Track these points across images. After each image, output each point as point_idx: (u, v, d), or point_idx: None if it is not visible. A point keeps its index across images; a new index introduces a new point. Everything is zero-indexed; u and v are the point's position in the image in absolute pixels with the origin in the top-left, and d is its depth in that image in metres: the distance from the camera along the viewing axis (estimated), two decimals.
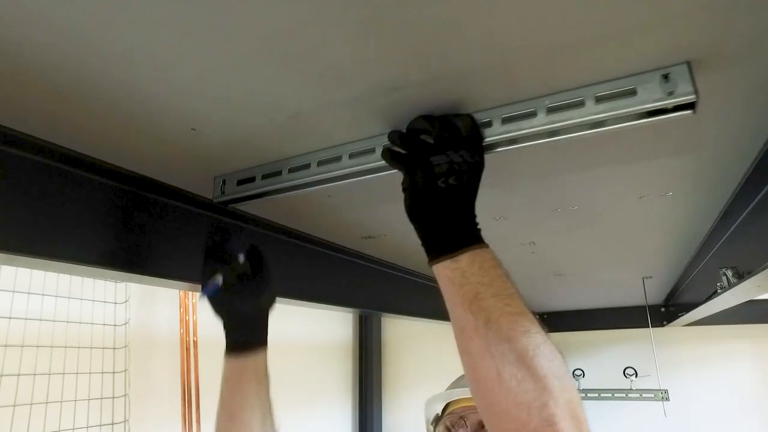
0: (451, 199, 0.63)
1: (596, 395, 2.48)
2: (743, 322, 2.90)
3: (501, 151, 0.69)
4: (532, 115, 0.65)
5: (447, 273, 0.62)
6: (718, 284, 1.42)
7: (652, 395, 2.29)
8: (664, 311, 3.25)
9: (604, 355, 3.20)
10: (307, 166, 0.78)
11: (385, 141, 0.72)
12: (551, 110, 0.64)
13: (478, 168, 0.65)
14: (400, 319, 3.41)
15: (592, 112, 0.62)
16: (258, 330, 0.88)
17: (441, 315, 2.25)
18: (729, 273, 1.27)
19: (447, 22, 0.50)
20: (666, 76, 0.58)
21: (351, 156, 0.75)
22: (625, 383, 2.60)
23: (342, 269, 1.46)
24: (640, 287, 2.31)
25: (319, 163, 0.77)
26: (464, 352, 0.60)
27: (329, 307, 1.42)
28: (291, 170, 0.80)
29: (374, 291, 1.65)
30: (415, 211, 0.65)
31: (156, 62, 0.55)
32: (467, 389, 1.58)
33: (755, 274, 1.05)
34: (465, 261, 0.61)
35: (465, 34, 0.52)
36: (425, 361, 3.93)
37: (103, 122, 0.68)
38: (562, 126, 0.64)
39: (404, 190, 0.66)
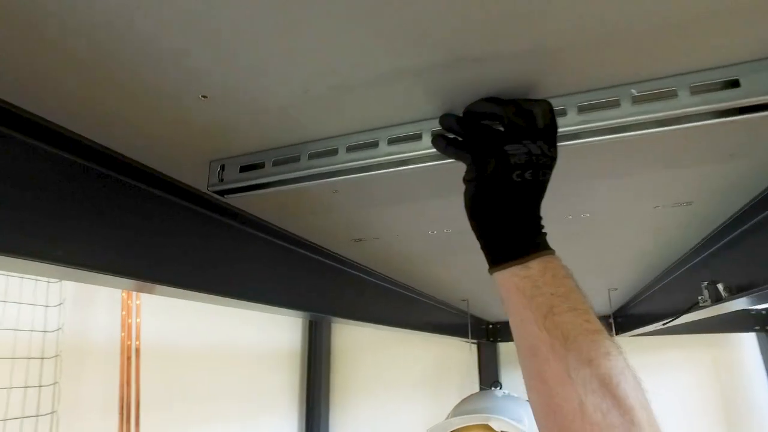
0: (524, 196, 0.54)
1: None
2: (675, 333, 3.03)
3: (571, 144, 0.60)
4: (615, 104, 0.57)
5: (515, 282, 0.53)
6: (700, 297, 1.44)
7: None
8: (613, 321, 3.36)
9: None
10: (334, 151, 0.66)
11: (434, 126, 0.62)
12: (637, 100, 0.56)
13: (552, 163, 0.56)
14: (352, 326, 3.29)
15: (684, 104, 0.54)
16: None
17: (408, 323, 2.19)
18: (720, 286, 1.27)
19: None
20: None
21: (390, 142, 0.64)
22: None
23: (302, 270, 1.33)
24: (602, 298, 2.34)
25: (350, 149, 0.65)
26: (536, 376, 0.51)
27: (282, 311, 1.28)
28: (312, 156, 0.67)
29: (343, 297, 1.52)
30: (480, 206, 0.55)
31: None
32: (467, 417, 1.52)
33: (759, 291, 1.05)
34: (536, 268, 0.52)
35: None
36: (374, 369, 3.83)
37: (80, 77, 0.53)
38: (647, 119, 0.56)
39: (468, 181, 0.56)
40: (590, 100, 0.57)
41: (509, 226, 0.54)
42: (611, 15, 0.45)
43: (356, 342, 3.94)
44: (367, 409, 3.72)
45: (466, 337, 3.43)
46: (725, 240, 1.34)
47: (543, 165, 0.54)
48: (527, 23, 0.46)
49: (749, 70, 0.53)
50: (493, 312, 3.14)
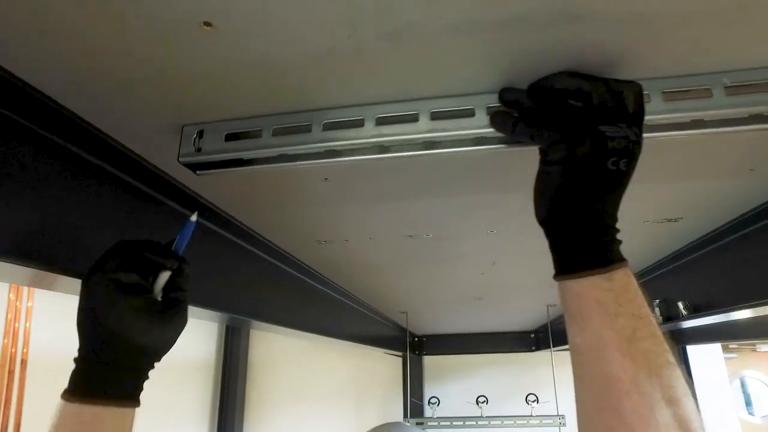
0: (615, 188, 0.45)
1: (499, 422, 2.46)
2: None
3: (653, 136, 0.51)
4: (706, 94, 0.49)
5: (596, 294, 0.44)
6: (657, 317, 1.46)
7: (551, 421, 2.34)
8: (533, 337, 3.45)
9: (502, 380, 3.27)
10: (359, 123, 0.52)
11: (488, 102, 0.51)
12: (730, 91, 0.48)
13: (639, 155, 0.47)
14: (272, 334, 3.07)
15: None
16: (140, 376, 0.54)
17: (340, 333, 2.03)
18: (680, 305, 1.29)
19: None
20: None
21: (434, 117, 0.51)
22: (526, 410, 2.63)
23: (220, 260, 1.15)
24: (535, 313, 2.36)
25: (380, 122, 0.52)
26: (608, 409, 0.42)
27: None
28: (328, 127, 0.53)
29: (270, 299, 1.35)
30: (565, 195, 0.45)
31: None
32: None
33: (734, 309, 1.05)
34: (619, 281, 0.44)
35: None
36: (293, 382, 3.62)
37: None
38: (735, 114, 0.49)
39: (552, 163, 0.46)
40: (677, 87, 0.49)
41: (595, 224, 0.45)
42: None
43: (275, 353, 3.70)
44: (285, 424, 3.49)
45: (398, 349, 3.35)
46: (682, 261, 1.37)
47: (635, 155, 0.45)
48: None
49: None
50: (423, 325, 3.08)
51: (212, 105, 0.53)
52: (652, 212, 0.96)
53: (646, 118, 0.49)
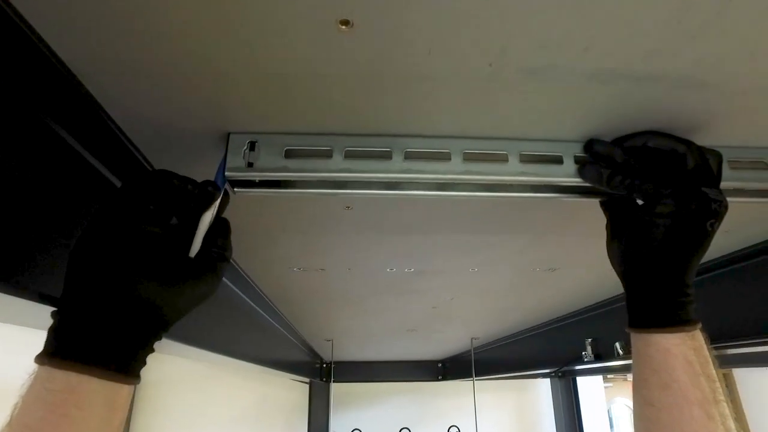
0: (704, 248, 0.47)
1: None
2: (486, 378, 3.34)
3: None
4: (761, 165, 0.52)
5: (685, 352, 0.45)
6: (584, 353, 1.56)
7: None
8: (441, 367, 3.53)
9: (416, 409, 3.23)
10: (446, 156, 0.48)
11: (573, 151, 0.50)
12: (468, 156, 0.49)
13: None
14: (165, 355, 2.79)
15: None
16: (142, 344, 0.39)
17: (253, 357, 1.88)
18: (618, 345, 1.38)
19: None
20: None
21: (522, 159, 0.49)
22: None
23: None
24: (458, 344, 2.41)
25: (467, 158, 0.48)
26: None
27: None
28: (411, 156, 0.48)
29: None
30: (666, 250, 0.46)
31: None
32: None
33: None
34: (699, 342, 0.46)
35: None
36: (188, 408, 3.31)
37: None
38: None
39: (662, 216, 0.46)
40: (738, 157, 0.52)
41: (681, 281, 0.46)
42: None
43: (169, 375, 3.36)
44: None
45: (307, 375, 3.21)
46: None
47: (721, 218, 0.47)
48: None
49: None
50: (337, 352, 3.00)
51: (276, 113, 0.46)
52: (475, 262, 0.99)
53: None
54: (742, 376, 3.83)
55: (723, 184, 0.51)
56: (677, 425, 0.43)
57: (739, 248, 0.88)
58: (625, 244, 0.48)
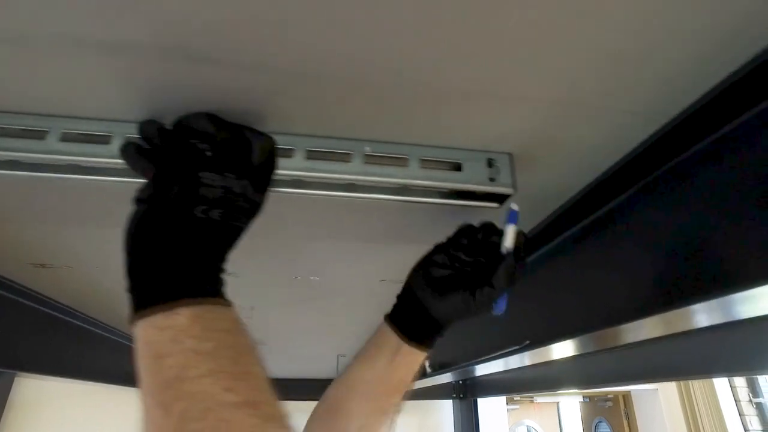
0: (204, 236, 0.42)
1: None
2: None
3: (291, 192, 0.53)
4: (346, 158, 0.52)
5: (149, 335, 0.39)
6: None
7: None
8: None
9: None
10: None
11: (130, 132, 0.48)
12: (369, 161, 0.52)
13: (254, 210, 0.47)
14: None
15: (412, 175, 0.52)
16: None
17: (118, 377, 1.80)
18: (426, 363, 1.38)
19: None
20: (490, 161, 0.54)
21: (65, 138, 0.46)
22: None
23: None
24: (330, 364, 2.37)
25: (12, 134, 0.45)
26: None
27: None
28: None
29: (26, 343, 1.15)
30: (144, 235, 0.41)
31: None
32: None
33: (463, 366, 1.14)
34: (186, 316, 0.39)
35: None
36: (70, 430, 3.13)
37: None
38: (375, 182, 0.52)
39: (140, 200, 0.43)
40: (319, 147, 0.51)
41: (169, 266, 0.40)
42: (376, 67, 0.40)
43: (49, 393, 3.16)
44: None
45: None
46: None
47: (239, 208, 0.44)
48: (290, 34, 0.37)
49: (470, 158, 0.54)
50: None
51: None
52: (388, 272, 1.00)
53: (288, 173, 0.50)
54: (638, 396, 3.94)
55: (297, 174, 0.50)
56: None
57: None
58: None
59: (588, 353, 1.75)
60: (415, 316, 0.59)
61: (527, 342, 0.79)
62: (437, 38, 0.38)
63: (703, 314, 0.54)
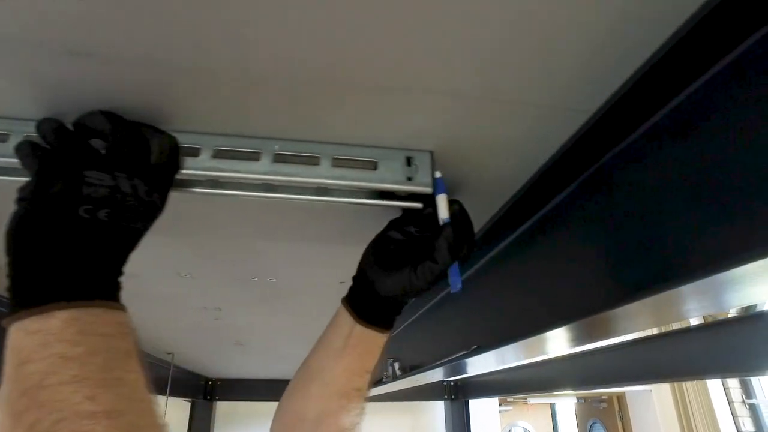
0: (88, 237, 0.40)
1: None
2: (378, 400, 3.27)
3: (203, 192, 0.51)
4: (255, 158, 0.50)
5: (17, 340, 0.36)
6: (385, 373, 1.53)
7: None
8: None
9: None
10: None
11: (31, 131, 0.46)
12: (279, 158, 0.50)
13: (151, 211, 0.45)
14: None
15: (323, 174, 0.51)
16: None
17: None
18: (396, 365, 1.35)
19: None
20: (409, 160, 0.52)
21: None
22: None
23: None
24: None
25: None
26: None
27: None
28: None
29: None
30: (19, 236, 0.39)
31: None
32: None
33: (421, 371, 1.12)
34: (59, 321, 0.37)
35: None
36: None
37: None
38: (286, 182, 0.51)
39: (19, 200, 0.41)
40: (229, 147, 0.50)
41: (46, 267, 0.38)
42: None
43: None
44: None
45: (194, 395, 3.07)
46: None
47: (131, 208, 0.42)
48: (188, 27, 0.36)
49: (386, 157, 0.52)
50: (212, 368, 2.89)
51: None
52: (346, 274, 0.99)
53: (194, 172, 0.48)
54: (632, 397, 3.91)
55: (205, 174, 0.49)
56: None
57: None
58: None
59: (583, 353, 1.73)
60: (366, 296, 0.57)
61: (475, 346, 0.77)
62: (341, 30, 0.37)
63: (649, 313, 0.51)
